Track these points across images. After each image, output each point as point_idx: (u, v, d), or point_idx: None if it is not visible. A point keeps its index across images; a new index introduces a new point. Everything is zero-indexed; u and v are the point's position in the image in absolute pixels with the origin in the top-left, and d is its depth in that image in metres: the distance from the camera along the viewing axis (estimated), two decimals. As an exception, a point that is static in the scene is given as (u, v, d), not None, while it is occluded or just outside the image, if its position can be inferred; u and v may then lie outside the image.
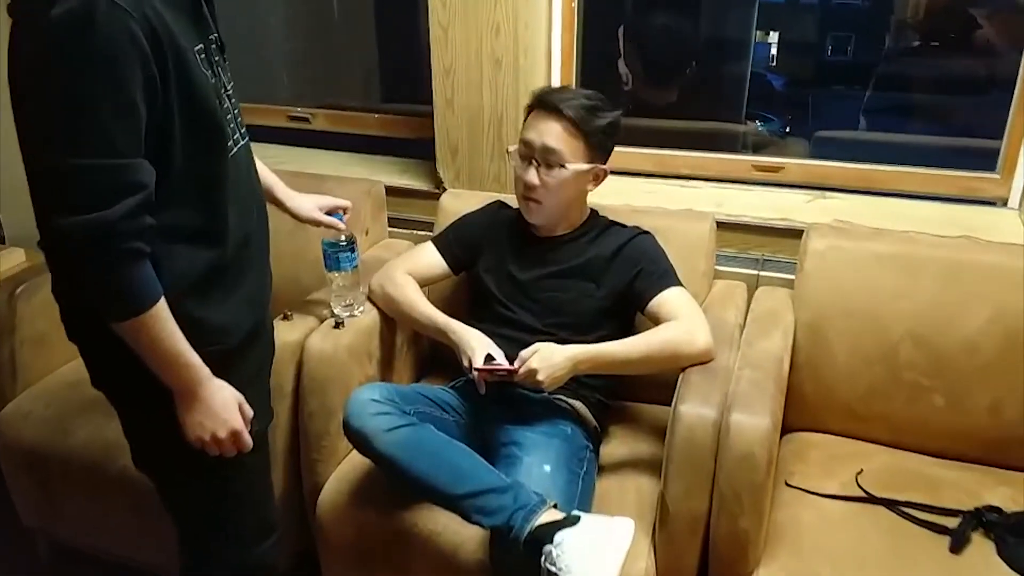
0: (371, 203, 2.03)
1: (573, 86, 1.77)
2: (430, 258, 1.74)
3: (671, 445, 1.36)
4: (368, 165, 2.34)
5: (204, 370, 1.14)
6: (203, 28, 1.12)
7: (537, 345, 1.45)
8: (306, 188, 2.06)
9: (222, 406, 1.16)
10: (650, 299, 1.55)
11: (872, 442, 1.65)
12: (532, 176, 1.55)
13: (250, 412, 1.21)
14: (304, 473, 1.63)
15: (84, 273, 1.02)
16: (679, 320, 1.50)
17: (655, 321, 1.54)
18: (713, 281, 1.82)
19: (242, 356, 1.24)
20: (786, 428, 1.69)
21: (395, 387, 1.48)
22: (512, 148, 1.61)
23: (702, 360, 1.47)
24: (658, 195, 2.05)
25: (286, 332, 1.61)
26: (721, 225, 1.86)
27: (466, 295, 1.82)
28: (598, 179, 1.61)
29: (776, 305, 1.71)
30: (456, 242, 1.75)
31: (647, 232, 1.66)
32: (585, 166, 1.55)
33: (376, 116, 2.39)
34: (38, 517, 1.89)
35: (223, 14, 1.20)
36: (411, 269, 1.71)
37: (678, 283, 1.58)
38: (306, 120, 2.47)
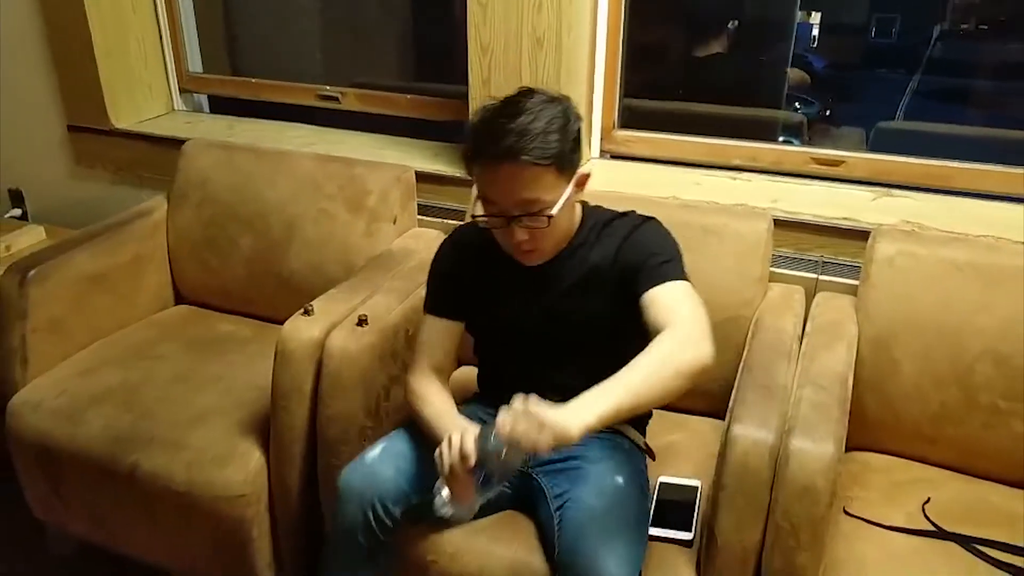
0: (401, 189, 1.92)
1: (506, 106, 1.25)
2: (440, 332, 1.43)
3: (722, 471, 1.24)
4: (400, 148, 2.21)
5: None
6: None
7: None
8: (335, 172, 1.97)
9: None
10: (641, 293, 1.25)
11: (940, 466, 1.51)
12: (520, 235, 1.26)
13: None
14: (321, 478, 1.53)
15: None
16: (673, 326, 1.18)
17: (646, 321, 1.23)
18: (769, 285, 1.68)
19: None
20: (845, 447, 1.56)
21: (411, 455, 1.33)
22: (479, 216, 1.29)
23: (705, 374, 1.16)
24: (707, 187, 1.91)
25: (306, 328, 1.51)
26: (778, 223, 1.71)
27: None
28: (582, 184, 1.32)
29: (838, 315, 1.56)
30: (449, 297, 1.45)
31: (649, 218, 1.37)
32: (570, 189, 1.27)
33: (408, 97, 2.26)
34: (48, 510, 1.81)
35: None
36: (433, 362, 1.42)
37: (680, 276, 1.27)
38: (335, 99, 2.35)
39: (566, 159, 1.24)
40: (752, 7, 2.78)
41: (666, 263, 1.28)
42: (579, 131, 1.28)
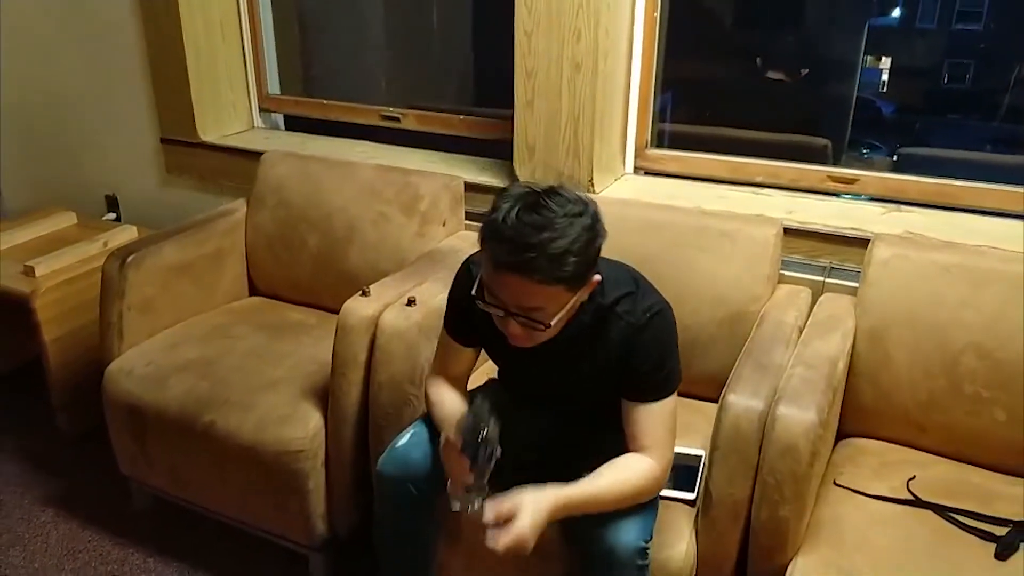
0: (450, 196, 2.15)
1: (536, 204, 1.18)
2: (455, 352, 1.52)
3: (717, 433, 1.41)
4: (451, 163, 2.45)
5: None
6: None
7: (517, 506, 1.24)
8: (392, 180, 2.21)
9: None
10: (631, 400, 1.36)
11: (929, 452, 1.65)
12: (514, 329, 1.26)
13: None
14: (371, 439, 1.74)
15: None
16: (650, 457, 1.34)
17: (625, 423, 1.37)
18: (777, 285, 1.85)
19: None
20: (842, 433, 1.71)
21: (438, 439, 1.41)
22: (479, 300, 1.29)
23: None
24: (730, 200, 2.09)
25: (363, 307, 1.73)
26: (791, 231, 1.89)
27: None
28: (591, 287, 1.29)
29: (838, 311, 1.72)
30: (462, 324, 1.49)
31: (657, 312, 1.34)
32: (574, 300, 1.26)
33: (461, 118, 2.50)
34: (133, 466, 2.06)
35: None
36: (449, 373, 1.53)
37: (672, 388, 1.36)
38: (396, 119, 2.61)
39: (578, 279, 1.22)
40: (818, 49, 2.92)
41: (665, 378, 1.35)
42: (600, 246, 1.24)
